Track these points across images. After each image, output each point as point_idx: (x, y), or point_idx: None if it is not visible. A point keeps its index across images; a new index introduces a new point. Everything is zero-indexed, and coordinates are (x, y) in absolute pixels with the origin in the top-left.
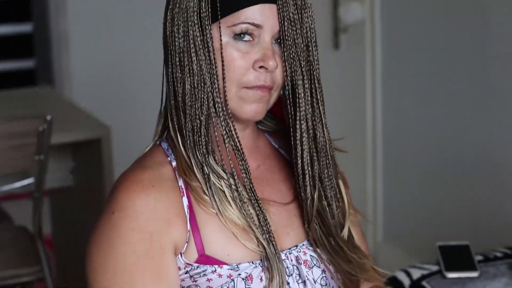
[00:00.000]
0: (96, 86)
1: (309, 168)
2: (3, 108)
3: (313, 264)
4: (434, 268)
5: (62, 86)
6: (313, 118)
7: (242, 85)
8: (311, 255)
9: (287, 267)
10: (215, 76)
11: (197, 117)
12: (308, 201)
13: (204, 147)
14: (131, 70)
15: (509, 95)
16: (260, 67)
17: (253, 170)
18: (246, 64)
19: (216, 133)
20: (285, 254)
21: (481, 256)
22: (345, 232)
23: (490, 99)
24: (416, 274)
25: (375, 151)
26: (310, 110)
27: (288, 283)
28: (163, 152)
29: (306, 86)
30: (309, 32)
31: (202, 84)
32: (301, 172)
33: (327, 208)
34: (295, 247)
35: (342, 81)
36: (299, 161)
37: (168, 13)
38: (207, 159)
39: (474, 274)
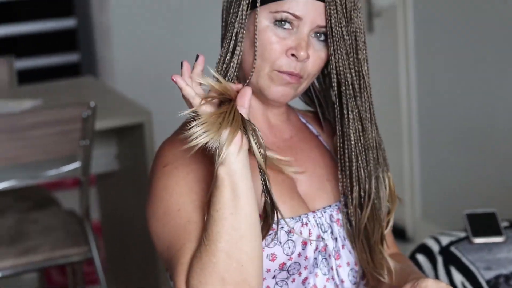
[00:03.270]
0: (137, 75)
1: (355, 165)
2: (50, 97)
3: (344, 223)
4: (462, 234)
5: (105, 77)
6: (360, 113)
7: (275, 67)
8: (343, 215)
9: (323, 224)
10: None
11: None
12: (355, 187)
13: None
14: (170, 59)
15: None
16: (292, 55)
17: (287, 140)
18: (280, 49)
19: None
20: (321, 212)
21: (507, 222)
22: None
23: None
24: (444, 240)
25: (410, 132)
26: (356, 104)
27: (323, 239)
28: None
29: (354, 81)
30: (358, 32)
31: (238, 58)
32: (347, 161)
33: (371, 196)
34: (329, 207)
35: (377, 64)
36: (346, 152)
37: None
38: None
39: (499, 239)
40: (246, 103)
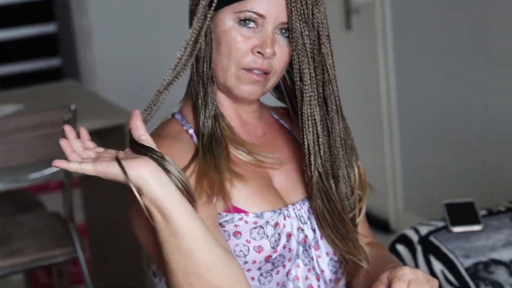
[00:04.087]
0: (118, 78)
1: (315, 149)
2: (32, 102)
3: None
4: (441, 224)
5: (87, 81)
6: (325, 103)
7: (241, 66)
8: None
9: (302, 216)
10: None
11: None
12: (312, 179)
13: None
14: (150, 62)
15: (508, 62)
16: (258, 52)
17: (261, 137)
18: (246, 48)
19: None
20: (300, 205)
21: (486, 211)
22: (355, 213)
23: (492, 67)
24: (423, 230)
25: (391, 127)
26: (320, 95)
27: (303, 230)
28: (178, 122)
29: (313, 74)
30: (320, 26)
31: (207, 60)
32: (307, 151)
33: (333, 186)
34: (307, 199)
35: (355, 61)
36: (306, 142)
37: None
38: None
39: (477, 227)
40: (138, 128)
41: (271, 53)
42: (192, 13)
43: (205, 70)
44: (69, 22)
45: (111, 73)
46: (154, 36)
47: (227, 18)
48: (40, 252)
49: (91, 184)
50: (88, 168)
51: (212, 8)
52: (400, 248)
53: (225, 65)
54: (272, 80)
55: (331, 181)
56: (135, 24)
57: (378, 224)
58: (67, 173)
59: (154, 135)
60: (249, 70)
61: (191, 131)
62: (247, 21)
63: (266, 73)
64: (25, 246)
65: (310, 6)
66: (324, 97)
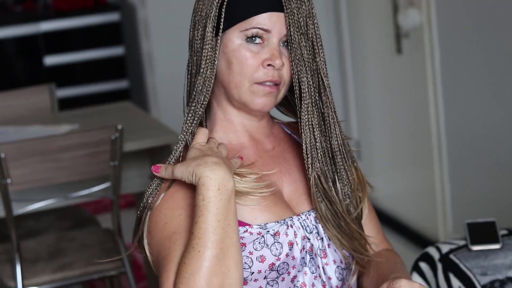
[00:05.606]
0: (177, 101)
1: (313, 153)
2: (86, 121)
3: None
4: (462, 243)
5: (151, 102)
6: (321, 109)
7: (254, 81)
8: None
9: (308, 226)
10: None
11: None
12: (317, 180)
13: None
14: None
15: None
16: (268, 65)
17: (269, 151)
18: (256, 63)
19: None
20: (305, 215)
21: (506, 230)
22: (356, 213)
23: None
24: (445, 248)
25: (440, 150)
26: (317, 101)
27: (309, 239)
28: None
29: (310, 82)
30: (314, 37)
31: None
32: (305, 155)
33: (332, 188)
34: (314, 210)
35: (405, 83)
36: (304, 146)
37: (191, 20)
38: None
39: (496, 246)
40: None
41: (280, 64)
42: (196, 37)
43: (207, 87)
44: (136, 46)
45: (170, 96)
46: None
47: (235, 37)
48: (89, 266)
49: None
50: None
51: (220, 30)
52: (423, 265)
53: (238, 81)
54: (283, 91)
55: (330, 183)
56: None
57: (427, 245)
58: (114, 190)
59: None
60: (261, 83)
61: None
62: (254, 38)
63: (277, 84)
64: (75, 260)
65: (305, 19)
66: (321, 104)
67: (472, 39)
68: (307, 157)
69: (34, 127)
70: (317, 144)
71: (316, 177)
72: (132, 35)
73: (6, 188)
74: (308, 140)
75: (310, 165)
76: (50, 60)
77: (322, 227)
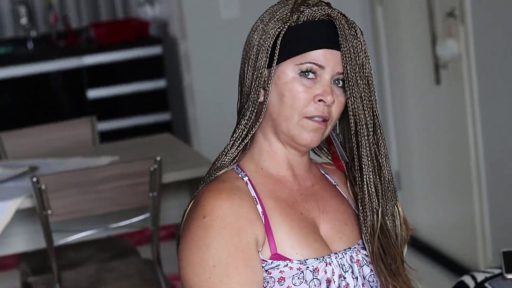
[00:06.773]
0: (218, 133)
1: (373, 189)
2: (127, 153)
3: (364, 263)
4: (497, 271)
5: (193, 135)
6: (377, 149)
7: (304, 115)
8: (362, 256)
9: (344, 265)
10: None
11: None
12: (374, 215)
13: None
14: None
15: None
16: (320, 100)
17: (309, 187)
18: (308, 97)
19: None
20: (342, 254)
21: None
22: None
23: None
24: (480, 277)
25: (479, 180)
26: (372, 141)
27: (345, 278)
28: (234, 172)
29: (368, 119)
30: (369, 76)
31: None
32: (366, 192)
33: (388, 223)
34: (349, 249)
35: (444, 113)
36: (365, 184)
37: (243, 50)
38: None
39: None
40: None
41: (332, 100)
42: (248, 66)
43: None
44: (178, 78)
45: (213, 127)
46: None
47: (289, 70)
48: None
49: None
50: None
51: (274, 62)
52: None
53: (289, 114)
54: (329, 128)
55: (386, 218)
56: (234, 81)
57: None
58: (154, 221)
59: (213, 181)
60: (311, 118)
61: (246, 178)
62: (307, 72)
63: (325, 120)
64: None
65: (361, 58)
66: (376, 140)
67: (510, 69)
68: (368, 193)
69: (74, 159)
70: (372, 179)
71: (375, 212)
72: (173, 68)
73: (47, 219)
74: (371, 176)
75: (369, 200)
76: (93, 93)
77: (373, 262)
